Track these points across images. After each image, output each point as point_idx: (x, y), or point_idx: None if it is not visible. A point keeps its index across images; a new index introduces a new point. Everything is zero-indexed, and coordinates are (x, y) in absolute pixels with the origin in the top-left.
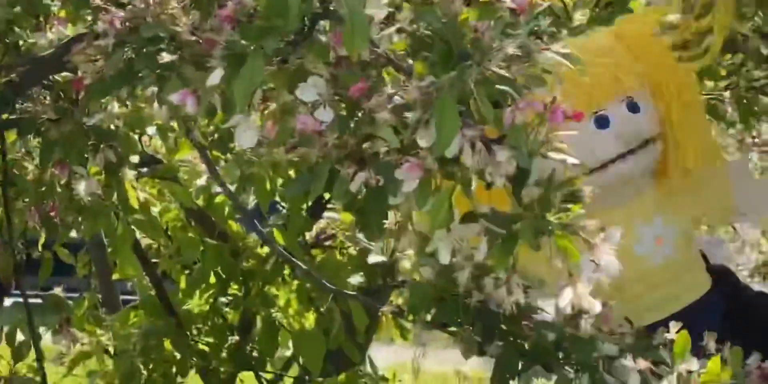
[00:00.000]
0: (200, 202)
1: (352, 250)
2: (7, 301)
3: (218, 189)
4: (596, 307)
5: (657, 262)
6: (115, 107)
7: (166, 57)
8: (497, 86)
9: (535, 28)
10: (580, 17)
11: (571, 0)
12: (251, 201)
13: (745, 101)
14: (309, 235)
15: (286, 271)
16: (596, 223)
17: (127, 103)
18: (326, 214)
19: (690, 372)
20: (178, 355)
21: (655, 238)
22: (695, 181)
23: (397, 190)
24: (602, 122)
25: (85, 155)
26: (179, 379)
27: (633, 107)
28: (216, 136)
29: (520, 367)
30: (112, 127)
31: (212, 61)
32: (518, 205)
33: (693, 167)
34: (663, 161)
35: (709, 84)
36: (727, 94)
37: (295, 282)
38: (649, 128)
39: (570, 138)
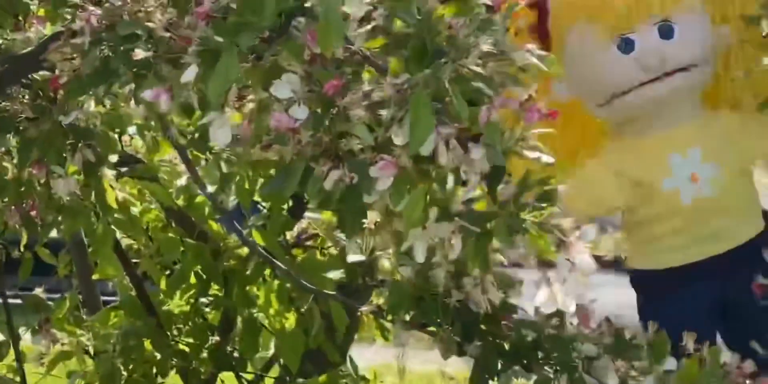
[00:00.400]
0: (180, 202)
1: (334, 250)
2: None
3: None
4: (571, 306)
5: (686, 202)
6: (92, 106)
7: (140, 53)
8: (472, 84)
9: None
10: None
11: None
12: (232, 201)
13: None
14: (290, 235)
15: (267, 272)
16: (571, 221)
17: (107, 102)
18: (307, 213)
19: (668, 372)
20: (158, 356)
21: (689, 173)
22: (748, 119)
23: (372, 188)
24: (626, 46)
25: (64, 155)
26: (159, 379)
27: (666, 32)
28: (195, 135)
29: (499, 367)
30: (91, 126)
31: (186, 57)
32: (493, 203)
33: (743, 98)
34: (713, 90)
35: None
36: None
37: (276, 282)
38: (680, 57)
39: (591, 62)
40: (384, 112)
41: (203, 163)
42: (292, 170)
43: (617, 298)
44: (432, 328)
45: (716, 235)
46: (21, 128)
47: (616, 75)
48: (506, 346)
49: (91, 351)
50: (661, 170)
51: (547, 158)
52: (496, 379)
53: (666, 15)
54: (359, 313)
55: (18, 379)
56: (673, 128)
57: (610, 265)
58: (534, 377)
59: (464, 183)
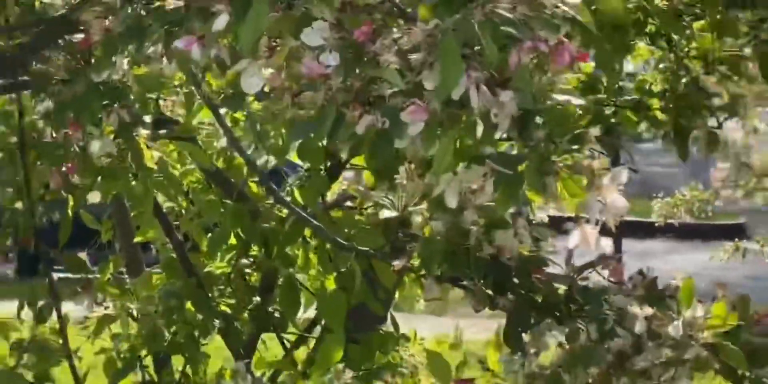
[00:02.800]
0: (220, 163)
1: (372, 211)
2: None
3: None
4: (607, 247)
5: None
6: (125, 64)
7: (172, 3)
8: (502, 28)
9: None
10: None
11: None
12: (269, 161)
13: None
14: (329, 196)
15: (307, 232)
16: (602, 163)
17: (141, 64)
18: (345, 173)
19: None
20: (200, 317)
21: None
22: None
23: (403, 133)
24: None
25: (99, 116)
26: (201, 340)
27: None
28: (227, 92)
29: (532, 320)
30: (125, 86)
31: (218, 6)
32: (523, 146)
33: None
34: None
35: (730, 40)
36: (748, 50)
37: (315, 242)
38: None
39: None
40: (414, 57)
41: (242, 125)
42: (324, 116)
43: (679, 266)
44: (464, 283)
45: None
46: (56, 90)
47: None
48: (538, 299)
49: (135, 314)
50: None
51: (577, 101)
52: (528, 332)
53: None
54: (394, 269)
55: (60, 341)
56: None
57: (665, 230)
58: (565, 329)
59: (493, 127)
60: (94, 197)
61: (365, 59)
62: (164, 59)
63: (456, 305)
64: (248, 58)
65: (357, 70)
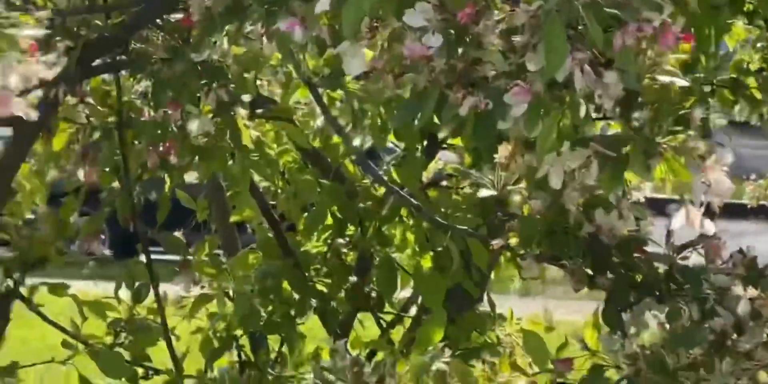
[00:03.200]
0: (316, 143)
1: (469, 190)
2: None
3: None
4: (711, 228)
5: None
6: (225, 44)
7: None
8: (606, 9)
9: None
10: None
11: None
12: (366, 140)
13: None
14: (425, 175)
15: (404, 212)
16: (706, 145)
17: (241, 42)
18: (441, 153)
19: None
20: (296, 296)
21: None
22: None
23: (506, 114)
24: None
25: (198, 95)
26: (298, 320)
27: None
28: (326, 72)
29: (631, 299)
30: (224, 66)
31: None
32: (628, 128)
33: None
34: None
35: None
36: None
37: (412, 221)
38: None
39: None
40: (517, 39)
41: (338, 104)
42: (427, 97)
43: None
44: (563, 261)
45: None
46: (155, 69)
47: None
48: (638, 279)
49: (232, 294)
50: None
51: (681, 82)
52: (628, 311)
53: None
54: (491, 248)
55: (158, 321)
56: None
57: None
58: (666, 309)
59: (598, 108)
60: (190, 177)
61: (468, 41)
62: (264, 39)
63: (544, 286)
64: (350, 39)
65: (459, 52)
